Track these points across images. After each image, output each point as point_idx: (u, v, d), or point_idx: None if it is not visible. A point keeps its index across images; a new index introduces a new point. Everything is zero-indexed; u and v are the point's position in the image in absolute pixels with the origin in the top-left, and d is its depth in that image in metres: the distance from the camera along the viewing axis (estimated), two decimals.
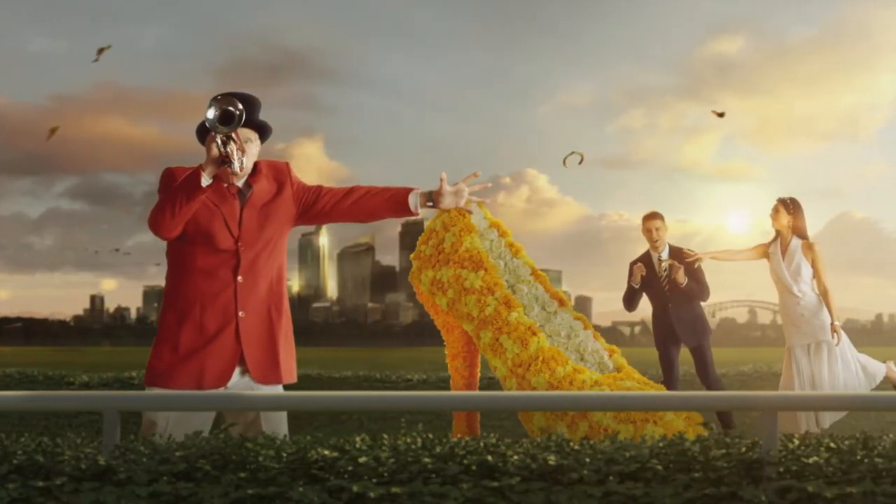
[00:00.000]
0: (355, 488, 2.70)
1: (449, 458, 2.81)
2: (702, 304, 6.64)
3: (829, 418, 6.33)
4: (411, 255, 6.06)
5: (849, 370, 6.37)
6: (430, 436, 2.95)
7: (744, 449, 2.84)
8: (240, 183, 3.74)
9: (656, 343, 6.77)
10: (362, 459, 2.78)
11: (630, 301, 6.78)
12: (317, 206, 3.87)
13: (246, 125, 3.58)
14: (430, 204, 3.91)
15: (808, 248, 6.35)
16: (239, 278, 3.67)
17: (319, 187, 3.91)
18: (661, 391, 5.07)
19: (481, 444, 2.89)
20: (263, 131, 3.82)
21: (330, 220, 3.94)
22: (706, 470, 2.80)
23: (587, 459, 2.81)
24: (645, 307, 6.92)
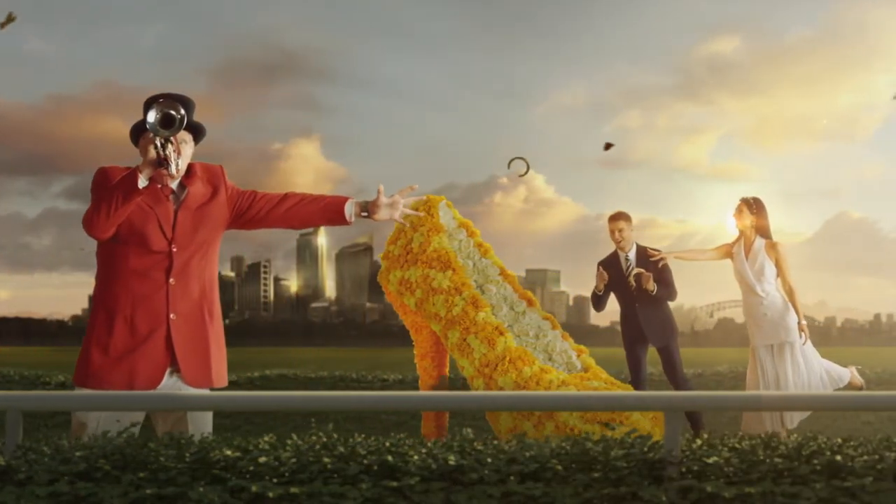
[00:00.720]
0: (254, 488, 2.71)
1: (350, 459, 2.82)
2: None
3: (796, 418, 6.33)
4: (380, 255, 6.07)
5: (813, 372, 6.37)
6: (336, 436, 2.96)
7: (645, 449, 2.85)
8: (174, 185, 3.75)
9: (624, 343, 6.76)
10: (262, 459, 2.79)
11: (597, 303, 6.78)
12: (251, 212, 3.88)
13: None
14: (365, 214, 3.93)
15: (772, 247, 6.34)
16: (171, 280, 3.68)
17: (254, 192, 3.93)
18: (627, 391, 5.08)
19: (386, 444, 2.90)
20: (198, 133, 3.83)
21: (263, 226, 3.95)
22: (606, 470, 2.81)
23: (488, 459, 2.82)
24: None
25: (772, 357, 6.34)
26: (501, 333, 5.35)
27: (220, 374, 3.76)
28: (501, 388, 5.14)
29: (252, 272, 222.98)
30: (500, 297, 5.74)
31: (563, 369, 5.54)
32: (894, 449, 2.91)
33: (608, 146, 7.24)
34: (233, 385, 10.96)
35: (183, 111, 3.51)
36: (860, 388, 6.43)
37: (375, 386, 11.08)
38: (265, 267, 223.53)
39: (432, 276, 5.62)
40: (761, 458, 2.83)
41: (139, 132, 3.76)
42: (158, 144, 3.56)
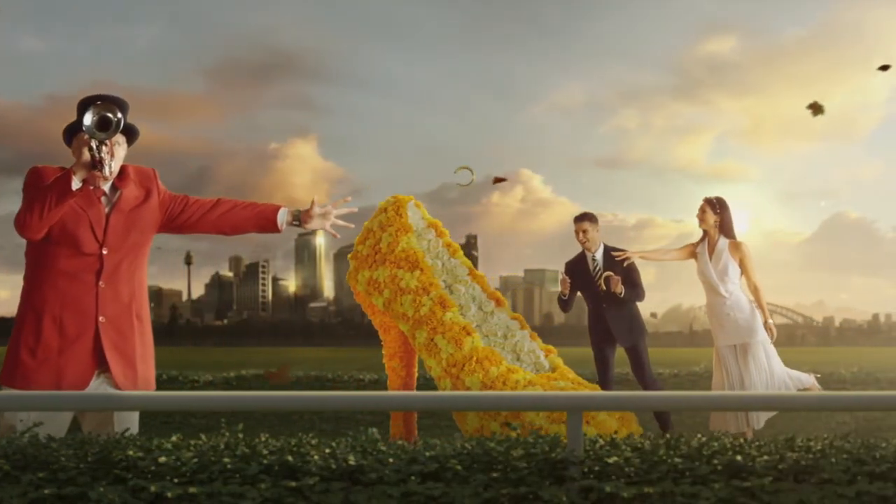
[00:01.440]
0: (153, 488, 2.71)
1: (251, 459, 2.83)
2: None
3: (762, 418, 6.32)
4: (349, 255, 6.08)
5: (775, 374, 6.37)
6: (241, 436, 2.97)
7: (547, 449, 2.85)
8: (106, 187, 3.76)
9: (592, 344, 6.77)
10: (163, 459, 2.79)
11: (564, 306, 6.78)
12: (182, 216, 3.89)
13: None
14: (297, 223, 3.94)
15: (736, 247, 6.34)
16: (101, 283, 3.68)
17: (186, 197, 3.93)
18: (594, 391, 5.09)
19: (291, 443, 2.91)
20: (131, 134, 3.83)
21: (194, 231, 3.96)
22: (507, 470, 2.82)
23: (389, 459, 2.83)
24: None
25: (735, 357, 6.34)
26: (469, 333, 5.36)
27: (147, 377, 3.77)
28: (468, 388, 5.16)
29: (250, 272, 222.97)
30: (468, 296, 5.76)
31: (531, 369, 5.56)
32: (796, 449, 2.92)
33: (497, 180, 7.23)
34: (208, 385, 10.96)
35: (119, 114, 3.51)
36: None
37: (351, 386, 11.08)
38: (263, 267, 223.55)
39: (400, 276, 5.64)
40: (662, 457, 2.84)
41: (73, 133, 3.77)
42: (94, 146, 3.56)
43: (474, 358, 5.28)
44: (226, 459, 2.79)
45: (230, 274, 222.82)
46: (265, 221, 3.92)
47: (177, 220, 3.89)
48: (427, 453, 2.83)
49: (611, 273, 6.51)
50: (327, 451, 2.86)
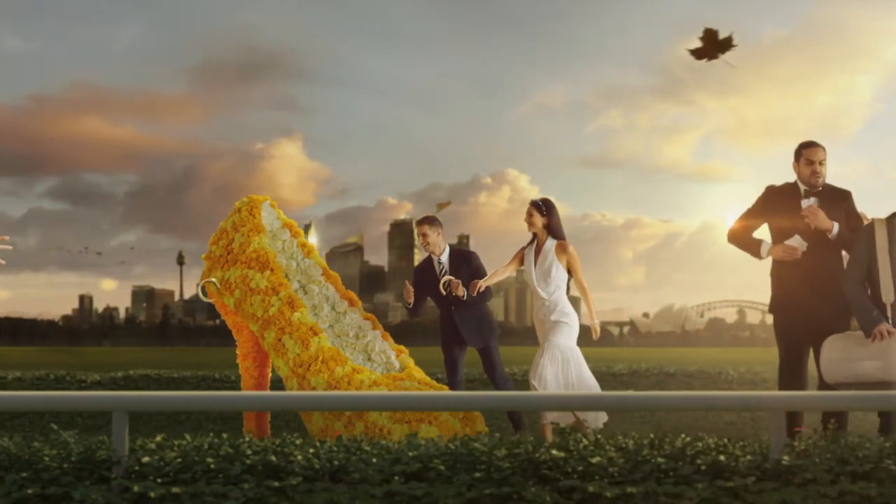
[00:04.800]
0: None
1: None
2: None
3: (600, 419, 6.09)
4: (203, 256, 6.10)
5: (584, 376, 6.21)
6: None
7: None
8: None
9: (441, 345, 6.72)
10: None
11: (413, 312, 6.74)
12: None
13: None
14: None
15: (563, 249, 6.16)
16: None
17: None
18: (440, 391, 5.07)
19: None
20: None
21: None
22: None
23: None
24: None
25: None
26: (315, 334, 5.41)
27: None
28: (314, 388, 5.19)
29: None
30: (322, 296, 5.81)
31: (382, 369, 5.61)
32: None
33: (441, 206, 7.19)
34: (95, 385, 10.79)
35: None
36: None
37: (225, 386, 10.89)
38: None
39: (251, 276, 5.67)
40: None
41: None
42: None
43: (320, 358, 5.31)
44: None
45: None
46: None
47: None
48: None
49: (451, 277, 6.48)
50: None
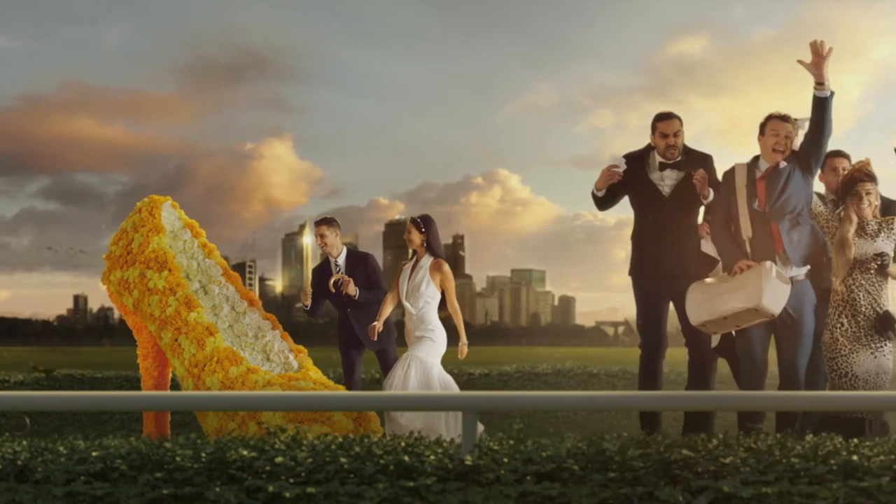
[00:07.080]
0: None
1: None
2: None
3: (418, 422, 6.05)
4: (103, 256, 6.14)
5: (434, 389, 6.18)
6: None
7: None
8: None
9: (339, 346, 6.71)
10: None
11: (310, 312, 6.75)
12: None
13: None
14: None
15: (437, 267, 6.08)
16: None
17: None
18: (332, 391, 5.05)
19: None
20: None
21: None
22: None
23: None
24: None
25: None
26: (211, 334, 5.44)
27: None
28: (209, 388, 5.22)
29: (237, 272, 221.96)
30: (222, 296, 5.88)
31: (280, 369, 5.67)
32: None
33: (414, 221, 7.26)
34: (19, 385, 10.75)
35: None
36: None
37: (125, 386, 10.83)
38: (250, 267, 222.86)
39: (149, 276, 5.71)
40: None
41: None
42: None
43: (215, 358, 5.35)
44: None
45: None
46: None
47: None
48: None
49: (341, 275, 6.47)
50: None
